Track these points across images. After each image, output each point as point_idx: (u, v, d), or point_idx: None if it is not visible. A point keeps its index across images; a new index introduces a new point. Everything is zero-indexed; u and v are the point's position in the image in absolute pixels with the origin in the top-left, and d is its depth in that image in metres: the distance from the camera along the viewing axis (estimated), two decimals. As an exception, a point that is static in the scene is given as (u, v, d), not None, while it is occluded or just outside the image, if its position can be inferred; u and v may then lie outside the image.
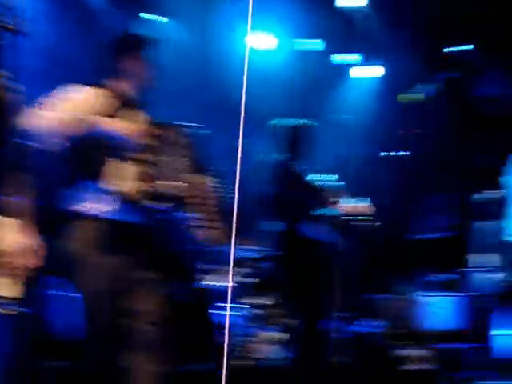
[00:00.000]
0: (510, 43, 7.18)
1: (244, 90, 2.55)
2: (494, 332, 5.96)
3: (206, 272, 5.77)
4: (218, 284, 5.74)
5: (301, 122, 4.07)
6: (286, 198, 3.62)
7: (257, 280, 5.76)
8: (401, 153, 9.70)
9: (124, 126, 2.79)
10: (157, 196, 2.79)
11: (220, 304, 5.49)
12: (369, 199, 4.13)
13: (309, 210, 3.76)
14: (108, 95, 2.94)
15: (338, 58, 8.18)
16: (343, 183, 4.03)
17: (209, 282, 5.73)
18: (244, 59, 6.40)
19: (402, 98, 7.20)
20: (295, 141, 3.98)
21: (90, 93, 2.89)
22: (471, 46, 7.79)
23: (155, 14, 7.08)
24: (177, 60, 6.58)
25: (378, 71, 8.35)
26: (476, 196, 6.20)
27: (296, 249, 3.65)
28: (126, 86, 3.03)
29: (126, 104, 2.99)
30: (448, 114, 7.49)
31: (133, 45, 3.12)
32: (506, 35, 7.08)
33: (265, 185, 3.98)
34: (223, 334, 5.37)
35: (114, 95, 2.97)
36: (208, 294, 5.33)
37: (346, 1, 7.30)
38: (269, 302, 5.46)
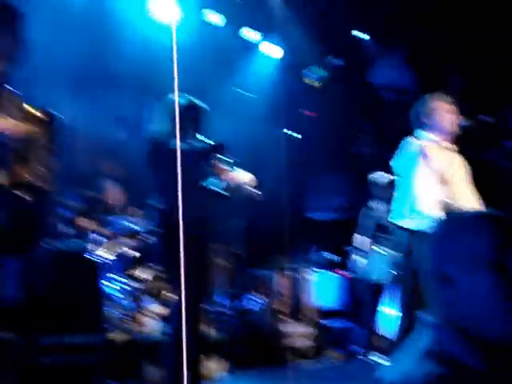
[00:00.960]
0: (404, 33, 7.39)
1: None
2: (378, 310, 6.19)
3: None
4: (104, 255, 5.63)
5: (192, 100, 3.97)
6: (161, 173, 3.54)
7: (139, 253, 5.66)
8: (294, 133, 9.89)
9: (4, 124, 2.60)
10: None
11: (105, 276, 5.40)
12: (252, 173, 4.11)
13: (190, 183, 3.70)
14: None
15: (244, 33, 8.05)
16: (230, 158, 3.97)
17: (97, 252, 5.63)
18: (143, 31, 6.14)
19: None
20: (183, 117, 3.88)
21: None
22: (367, 36, 7.97)
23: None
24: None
25: (277, 50, 8.33)
26: (369, 178, 6.34)
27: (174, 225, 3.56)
28: None
29: None
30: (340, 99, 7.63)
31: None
32: (401, 25, 7.26)
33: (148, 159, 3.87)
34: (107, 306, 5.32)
35: None
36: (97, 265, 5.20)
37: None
38: (149, 276, 5.38)
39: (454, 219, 1.48)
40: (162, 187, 3.69)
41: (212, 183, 3.93)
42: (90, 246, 5.43)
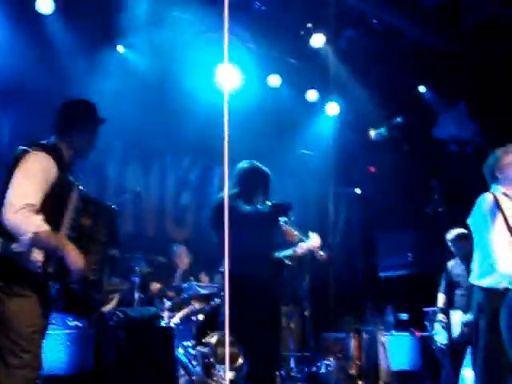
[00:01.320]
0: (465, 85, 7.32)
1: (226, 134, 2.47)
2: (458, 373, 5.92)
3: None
4: (176, 321, 5.67)
5: (257, 165, 4.03)
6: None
7: (209, 318, 5.66)
8: (358, 190, 9.82)
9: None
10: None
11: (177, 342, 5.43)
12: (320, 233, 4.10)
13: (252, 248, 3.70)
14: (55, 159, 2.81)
15: (307, 95, 8.17)
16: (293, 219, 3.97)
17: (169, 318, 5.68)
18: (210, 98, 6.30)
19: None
20: (249, 181, 3.94)
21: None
22: (424, 89, 7.93)
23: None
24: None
25: (335, 109, 8.38)
26: (446, 236, 6.17)
27: (241, 288, 3.55)
28: (68, 152, 2.95)
29: (64, 169, 2.88)
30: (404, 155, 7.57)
31: (85, 117, 3.07)
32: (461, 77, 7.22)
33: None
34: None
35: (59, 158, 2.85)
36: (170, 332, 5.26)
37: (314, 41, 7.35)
38: (218, 341, 5.34)
39: None
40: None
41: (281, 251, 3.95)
42: (162, 313, 5.48)
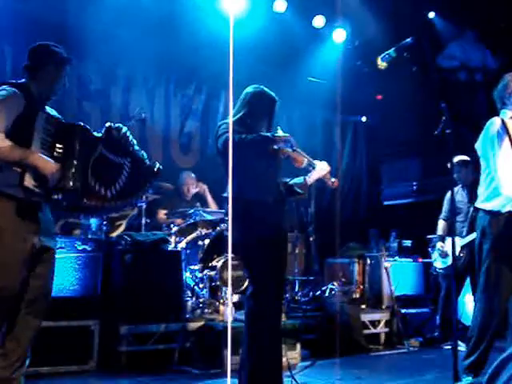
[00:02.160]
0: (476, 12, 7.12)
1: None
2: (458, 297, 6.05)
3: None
4: (182, 246, 5.78)
5: (265, 90, 3.97)
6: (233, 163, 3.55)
7: (215, 243, 5.76)
8: (364, 118, 9.76)
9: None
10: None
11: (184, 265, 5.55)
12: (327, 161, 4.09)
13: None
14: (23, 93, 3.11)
15: (315, 22, 7.96)
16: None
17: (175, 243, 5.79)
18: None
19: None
20: (255, 106, 3.89)
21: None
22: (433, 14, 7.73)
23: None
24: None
25: (342, 35, 8.22)
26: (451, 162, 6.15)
27: (246, 212, 3.58)
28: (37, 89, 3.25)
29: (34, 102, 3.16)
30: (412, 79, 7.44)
31: (47, 58, 3.29)
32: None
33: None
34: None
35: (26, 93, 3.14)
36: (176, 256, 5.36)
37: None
38: (224, 265, 5.45)
39: None
40: (232, 176, 3.71)
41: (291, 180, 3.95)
42: (169, 238, 5.57)
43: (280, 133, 3.73)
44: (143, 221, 5.95)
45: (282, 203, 3.85)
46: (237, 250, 3.77)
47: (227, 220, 3.85)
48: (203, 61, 7.12)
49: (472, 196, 5.49)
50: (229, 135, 3.54)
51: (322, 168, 3.98)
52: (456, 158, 5.98)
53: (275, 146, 3.68)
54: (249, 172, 3.63)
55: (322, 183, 4.15)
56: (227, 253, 5.31)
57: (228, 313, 5.06)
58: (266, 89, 3.93)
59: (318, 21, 7.96)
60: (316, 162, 3.99)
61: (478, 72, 7.90)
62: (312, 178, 3.99)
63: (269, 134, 3.67)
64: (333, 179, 4.11)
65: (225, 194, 3.82)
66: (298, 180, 4.00)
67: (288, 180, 3.99)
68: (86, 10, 6.16)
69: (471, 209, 5.69)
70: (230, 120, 3.67)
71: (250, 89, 3.93)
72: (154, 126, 7.42)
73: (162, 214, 6.43)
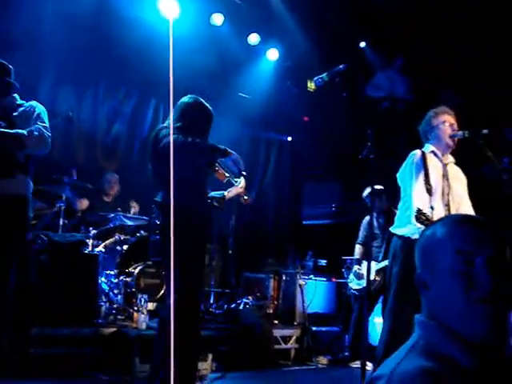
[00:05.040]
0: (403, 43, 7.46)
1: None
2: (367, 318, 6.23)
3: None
4: (100, 249, 5.68)
5: (201, 101, 4.00)
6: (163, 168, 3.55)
7: (134, 249, 5.72)
8: (290, 138, 9.95)
9: None
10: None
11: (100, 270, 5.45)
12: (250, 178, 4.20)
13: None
14: None
15: (248, 37, 8.05)
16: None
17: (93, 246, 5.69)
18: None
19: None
20: (191, 116, 3.90)
21: None
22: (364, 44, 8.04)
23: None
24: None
25: (275, 54, 8.38)
26: (367, 190, 6.37)
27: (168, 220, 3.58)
28: None
29: None
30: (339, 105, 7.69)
31: None
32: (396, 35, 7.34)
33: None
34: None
35: None
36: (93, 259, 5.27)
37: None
38: (142, 271, 5.42)
39: (427, 229, 1.54)
40: (162, 182, 3.71)
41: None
42: (87, 240, 5.47)
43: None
44: (61, 222, 5.80)
45: (210, 214, 3.93)
46: (161, 256, 3.77)
47: (155, 225, 3.83)
48: (135, 66, 7.08)
49: (388, 222, 5.72)
50: (173, 138, 3.53)
51: (241, 186, 4.14)
52: (369, 188, 6.20)
53: (221, 159, 3.76)
54: (187, 179, 3.65)
55: (238, 198, 4.32)
56: (146, 259, 5.29)
57: (142, 320, 5.03)
58: (202, 100, 3.97)
59: (253, 38, 8.08)
60: (236, 179, 4.13)
61: (401, 103, 8.24)
62: (231, 193, 4.16)
63: (223, 146, 3.74)
64: (245, 197, 4.29)
65: (157, 199, 3.81)
66: (218, 194, 4.12)
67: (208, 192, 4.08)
68: (16, 4, 6.01)
69: (387, 235, 5.92)
70: (171, 124, 3.67)
71: (188, 99, 3.94)
72: (80, 126, 7.27)
73: (84, 201, 6.34)
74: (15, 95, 4.12)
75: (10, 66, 4.07)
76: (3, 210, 3.90)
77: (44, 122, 4.01)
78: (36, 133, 3.89)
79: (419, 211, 3.69)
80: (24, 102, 4.11)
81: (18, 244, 4.03)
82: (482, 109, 6.49)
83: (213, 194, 4.12)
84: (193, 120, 3.84)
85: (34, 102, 4.10)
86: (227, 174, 4.04)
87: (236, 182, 4.13)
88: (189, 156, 3.61)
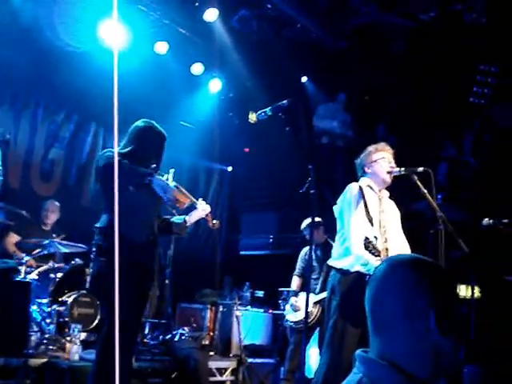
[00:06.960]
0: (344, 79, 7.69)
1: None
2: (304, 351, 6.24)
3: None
4: (33, 277, 5.50)
5: (152, 124, 3.94)
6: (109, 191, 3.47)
7: (67, 277, 5.56)
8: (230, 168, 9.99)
9: None
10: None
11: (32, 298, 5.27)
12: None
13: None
14: None
15: (193, 68, 8.08)
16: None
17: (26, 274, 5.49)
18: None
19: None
20: (142, 139, 3.84)
21: None
22: (306, 79, 8.23)
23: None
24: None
25: (217, 85, 8.46)
26: (305, 223, 6.42)
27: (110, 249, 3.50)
28: None
29: None
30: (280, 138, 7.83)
31: None
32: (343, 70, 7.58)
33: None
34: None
35: None
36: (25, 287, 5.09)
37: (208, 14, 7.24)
38: (75, 301, 5.27)
39: (380, 269, 1.54)
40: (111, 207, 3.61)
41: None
42: (19, 267, 5.28)
43: (170, 179, 3.70)
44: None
45: (154, 244, 3.80)
46: (97, 285, 3.66)
47: (93, 251, 3.70)
48: (76, 90, 6.98)
49: (325, 254, 5.78)
50: (113, 161, 3.44)
51: (203, 209, 4.00)
52: (307, 220, 6.28)
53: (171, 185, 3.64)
54: (123, 206, 3.57)
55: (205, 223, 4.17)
56: (80, 288, 5.14)
57: (74, 351, 4.88)
58: (155, 124, 3.92)
59: (197, 68, 8.13)
60: (198, 201, 3.99)
61: (339, 138, 8.43)
62: (192, 217, 3.99)
63: (151, 171, 3.64)
64: (214, 221, 4.15)
65: (97, 225, 3.70)
66: (178, 219, 3.98)
67: (168, 217, 3.97)
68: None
69: (325, 267, 5.98)
70: (116, 148, 3.60)
71: (139, 123, 3.89)
72: (16, 149, 7.07)
73: (12, 238, 6.10)
74: None
75: None
76: None
77: None
78: None
79: (367, 239, 3.75)
80: None
81: None
82: (413, 147, 6.72)
83: (173, 219, 4.00)
84: (144, 143, 3.79)
85: None
86: (187, 200, 3.79)
87: (196, 205, 3.95)
88: (122, 181, 3.51)
